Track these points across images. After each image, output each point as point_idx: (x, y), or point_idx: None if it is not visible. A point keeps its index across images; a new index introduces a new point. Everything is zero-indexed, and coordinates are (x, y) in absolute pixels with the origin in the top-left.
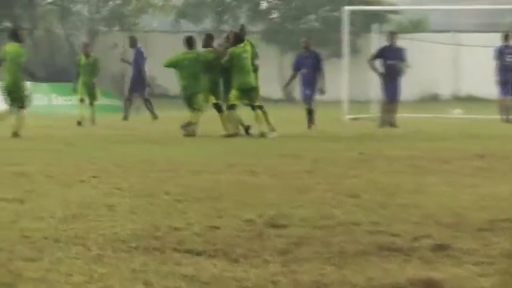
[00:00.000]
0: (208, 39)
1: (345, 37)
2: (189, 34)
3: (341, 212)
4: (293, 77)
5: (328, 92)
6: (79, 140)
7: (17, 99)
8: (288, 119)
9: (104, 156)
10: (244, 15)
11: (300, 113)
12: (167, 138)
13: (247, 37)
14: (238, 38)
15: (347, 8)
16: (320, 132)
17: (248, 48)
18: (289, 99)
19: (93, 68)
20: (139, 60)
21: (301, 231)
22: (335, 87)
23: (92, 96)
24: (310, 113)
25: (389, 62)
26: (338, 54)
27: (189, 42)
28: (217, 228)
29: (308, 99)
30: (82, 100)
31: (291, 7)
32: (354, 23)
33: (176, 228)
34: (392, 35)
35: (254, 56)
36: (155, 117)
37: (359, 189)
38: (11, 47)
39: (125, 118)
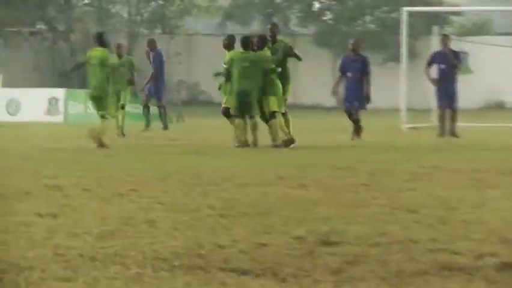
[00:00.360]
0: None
1: (404, 40)
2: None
3: (399, 229)
4: (340, 79)
5: (383, 99)
6: (117, 151)
7: (102, 106)
8: (340, 128)
9: (143, 168)
10: (295, 16)
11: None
12: (211, 149)
13: (280, 37)
14: (264, 41)
15: (406, 8)
16: (376, 143)
17: (268, 52)
18: (342, 107)
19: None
20: (156, 63)
21: (356, 249)
22: (392, 93)
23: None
24: (355, 122)
25: (442, 66)
26: (395, 58)
27: (245, 42)
28: (265, 245)
29: (355, 109)
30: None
31: (346, 8)
32: (414, 25)
33: (221, 246)
34: (444, 38)
35: (289, 55)
36: (147, 126)
37: (417, 203)
38: (96, 52)
39: (165, 127)
